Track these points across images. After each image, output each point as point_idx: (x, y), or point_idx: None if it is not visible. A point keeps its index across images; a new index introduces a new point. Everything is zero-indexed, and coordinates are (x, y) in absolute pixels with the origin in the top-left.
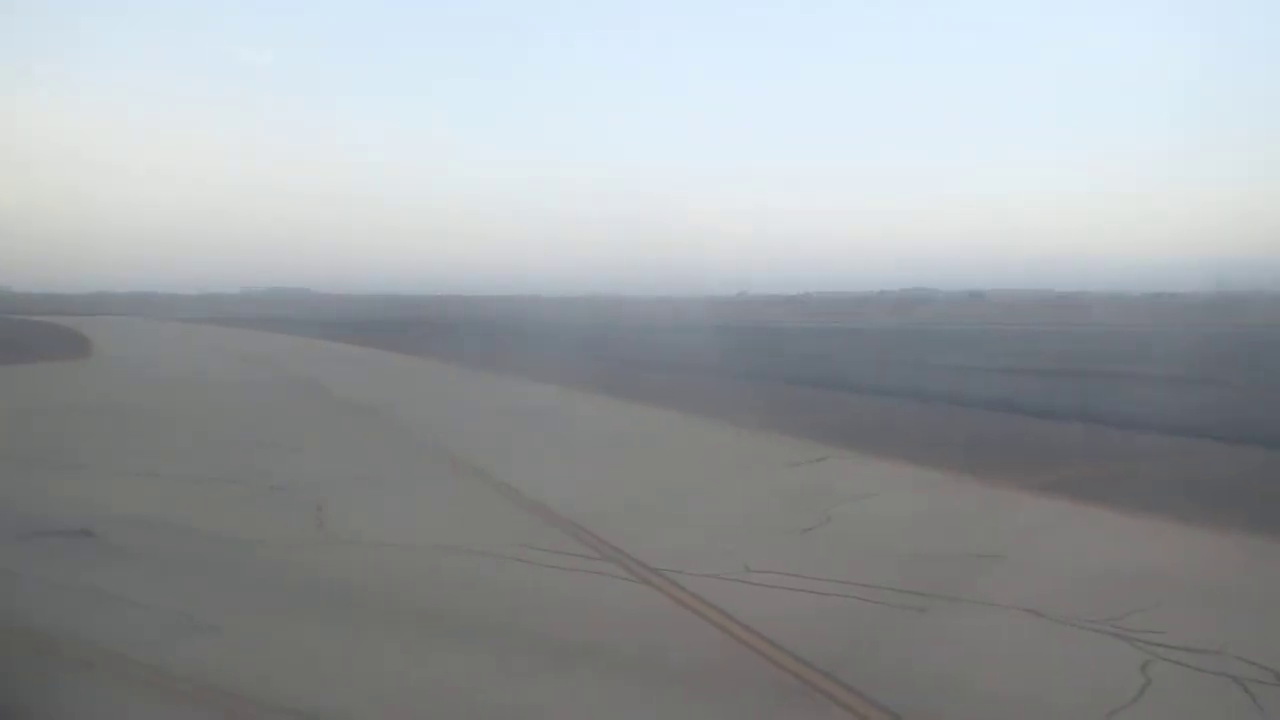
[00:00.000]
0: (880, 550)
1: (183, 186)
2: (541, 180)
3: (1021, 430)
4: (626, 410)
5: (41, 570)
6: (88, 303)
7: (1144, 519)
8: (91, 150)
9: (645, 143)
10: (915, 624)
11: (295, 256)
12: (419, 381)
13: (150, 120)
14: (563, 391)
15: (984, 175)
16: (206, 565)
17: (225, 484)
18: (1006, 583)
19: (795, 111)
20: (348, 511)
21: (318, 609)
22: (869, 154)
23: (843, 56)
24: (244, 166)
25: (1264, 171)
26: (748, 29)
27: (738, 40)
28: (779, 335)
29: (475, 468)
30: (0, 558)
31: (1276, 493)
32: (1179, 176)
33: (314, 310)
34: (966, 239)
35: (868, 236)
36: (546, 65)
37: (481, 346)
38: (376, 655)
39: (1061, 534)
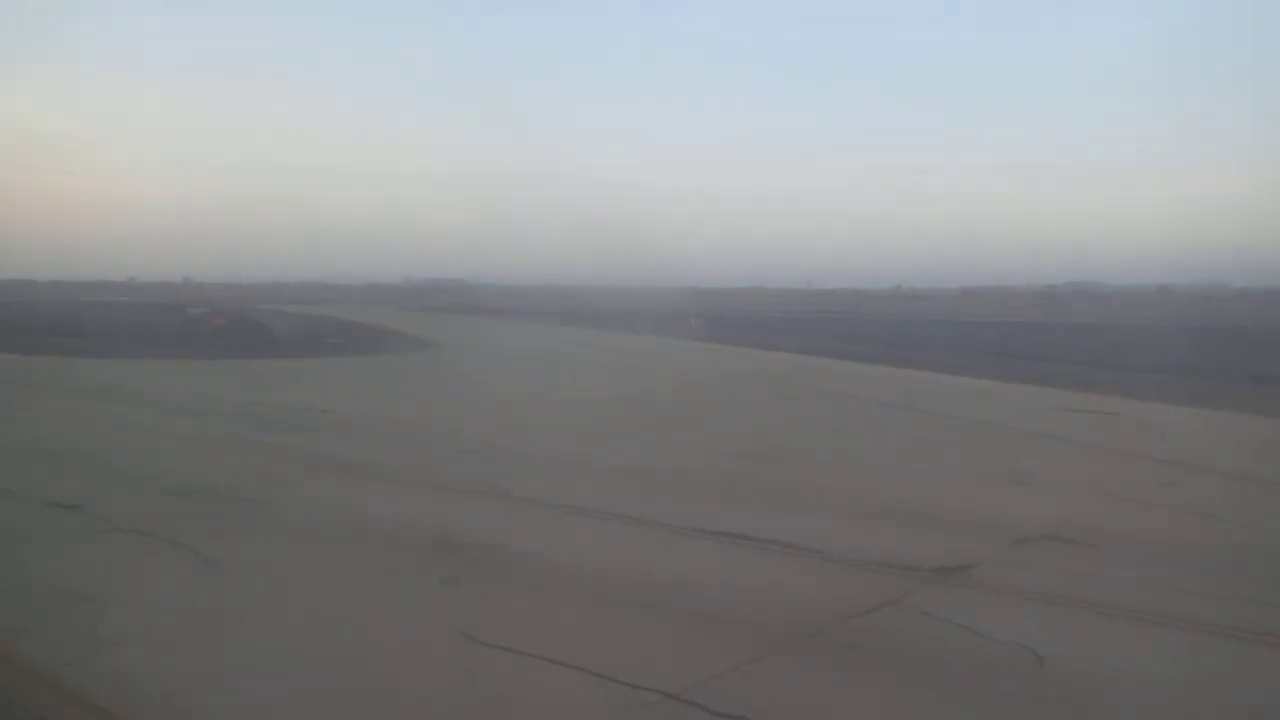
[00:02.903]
0: None
1: (337, 182)
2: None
3: None
4: None
5: None
6: (267, 292)
7: None
8: (258, 150)
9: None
10: None
11: (444, 249)
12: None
13: (314, 118)
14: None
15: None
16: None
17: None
18: None
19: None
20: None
21: None
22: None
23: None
24: (386, 158)
25: None
26: None
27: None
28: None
29: None
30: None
31: None
32: None
33: (525, 300)
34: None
35: (994, 230)
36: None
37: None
38: None
39: None
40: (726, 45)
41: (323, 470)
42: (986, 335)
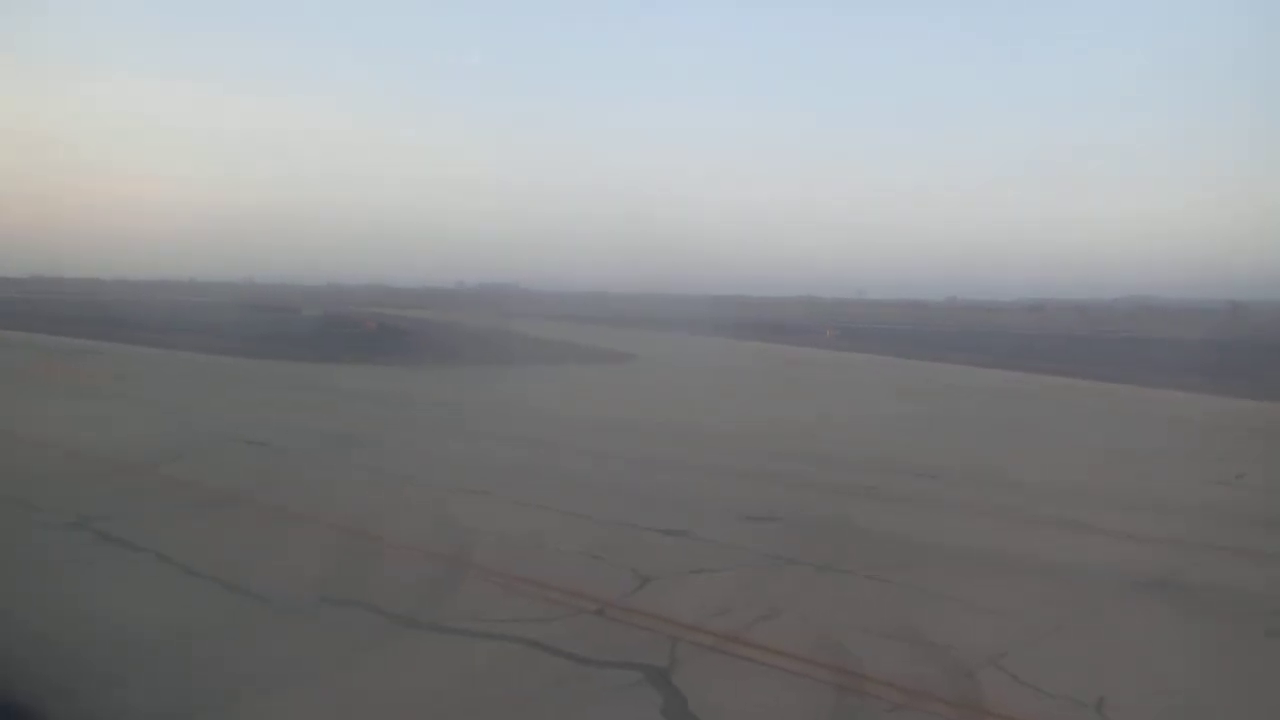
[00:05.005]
0: None
1: (386, 187)
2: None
3: None
4: None
5: None
6: (329, 294)
7: None
8: (312, 154)
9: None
10: None
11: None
12: None
13: (363, 125)
14: None
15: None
16: None
17: None
18: None
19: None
20: None
21: None
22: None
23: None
24: (438, 164)
25: None
26: None
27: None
28: None
29: None
30: None
31: None
32: None
33: (591, 307)
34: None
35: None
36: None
37: None
38: None
39: None
40: (794, 53)
41: (843, 495)
42: (1152, 351)
